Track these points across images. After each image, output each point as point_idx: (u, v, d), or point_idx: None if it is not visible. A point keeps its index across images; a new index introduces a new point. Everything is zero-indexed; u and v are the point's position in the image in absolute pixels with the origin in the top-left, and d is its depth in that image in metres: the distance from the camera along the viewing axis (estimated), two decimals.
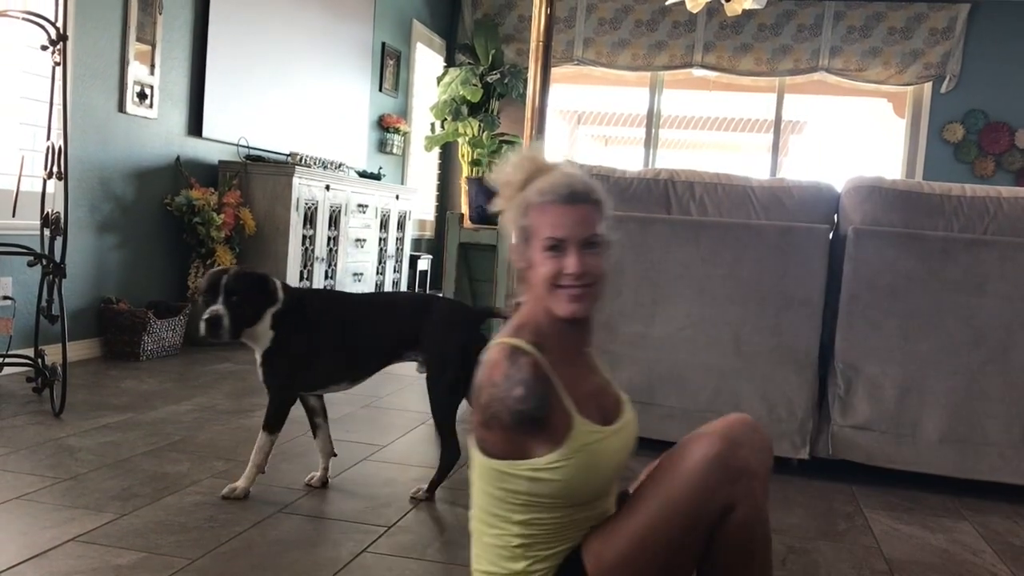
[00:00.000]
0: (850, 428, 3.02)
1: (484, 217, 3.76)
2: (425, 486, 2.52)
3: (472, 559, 1.60)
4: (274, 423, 2.43)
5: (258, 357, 2.42)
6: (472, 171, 7.61)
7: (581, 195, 1.49)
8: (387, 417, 3.48)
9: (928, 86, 7.87)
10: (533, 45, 1.74)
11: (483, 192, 3.82)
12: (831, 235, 3.12)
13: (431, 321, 2.47)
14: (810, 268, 3.05)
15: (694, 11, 6.58)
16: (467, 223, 3.75)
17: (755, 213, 3.16)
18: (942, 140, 7.85)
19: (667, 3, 6.94)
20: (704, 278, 3.11)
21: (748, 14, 7.61)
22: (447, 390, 2.47)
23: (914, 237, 2.99)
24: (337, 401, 3.67)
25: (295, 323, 2.40)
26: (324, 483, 2.56)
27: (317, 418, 2.60)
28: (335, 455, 2.63)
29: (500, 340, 1.51)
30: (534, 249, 1.50)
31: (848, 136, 9.16)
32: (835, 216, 3.19)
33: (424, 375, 2.56)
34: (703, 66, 8.20)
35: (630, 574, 1.47)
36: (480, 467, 1.52)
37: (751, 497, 1.46)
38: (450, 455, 2.50)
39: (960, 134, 7.79)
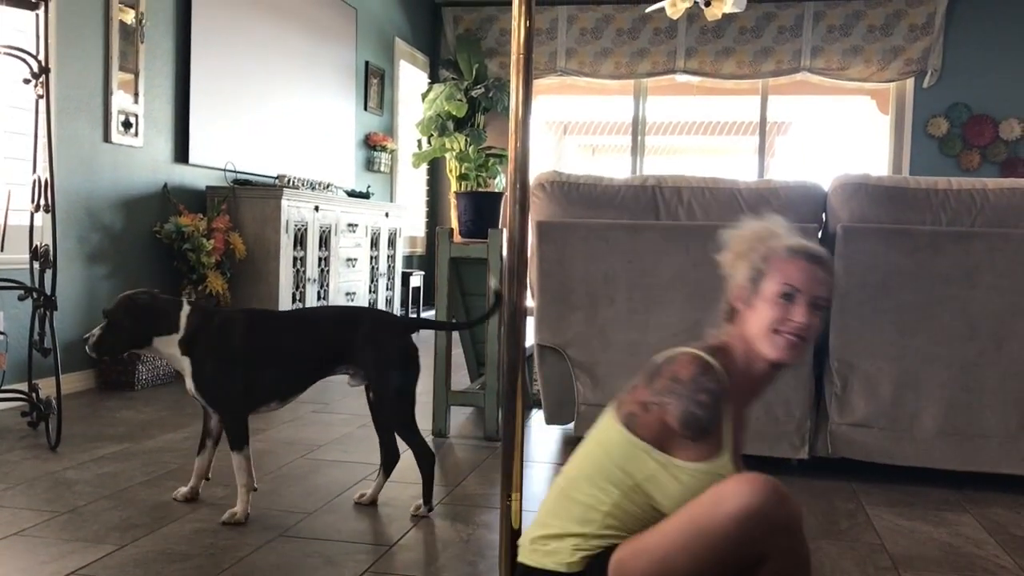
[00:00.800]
0: (848, 426, 3.02)
1: (474, 231, 3.76)
2: (421, 501, 2.52)
3: (540, 511, 1.69)
4: (236, 441, 2.44)
5: (190, 385, 2.43)
6: (460, 186, 7.62)
7: (823, 260, 1.65)
8: None
9: (910, 82, 7.92)
10: (514, 58, 1.74)
11: (472, 206, 3.82)
12: (820, 234, 3.13)
13: (362, 334, 2.47)
14: None
15: (674, 17, 6.61)
16: (457, 238, 3.75)
17: (743, 215, 3.17)
18: (927, 135, 7.89)
19: (647, 11, 6.98)
20: (696, 282, 3.11)
21: (728, 18, 7.65)
22: (397, 402, 2.48)
23: (903, 232, 3.00)
24: (333, 422, 3.66)
25: (208, 347, 2.41)
26: (192, 498, 2.55)
27: (209, 440, 2.57)
28: (208, 479, 2.61)
29: (695, 351, 1.61)
30: (763, 292, 1.62)
31: (833, 134, 9.21)
32: (823, 215, 3.20)
33: (356, 387, 2.59)
34: (686, 71, 8.24)
35: None
36: (612, 436, 1.61)
37: (788, 552, 1.49)
38: (426, 461, 2.52)
39: (944, 128, 7.83)
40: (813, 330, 1.61)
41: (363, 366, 2.49)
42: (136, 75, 4.50)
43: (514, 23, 1.78)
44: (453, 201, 4.01)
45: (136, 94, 4.51)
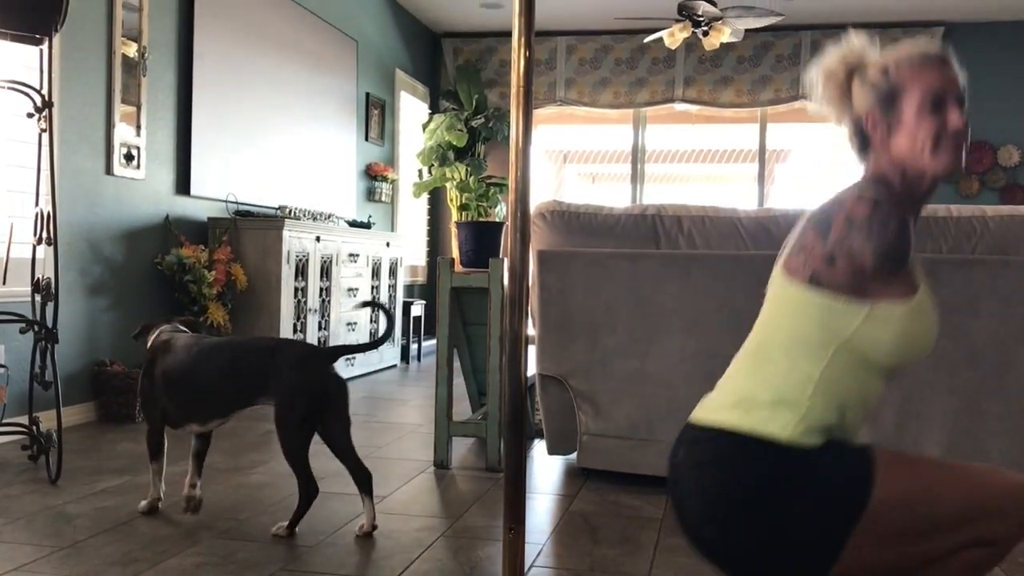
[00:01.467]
0: None
1: (475, 261, 3.77)
2: (286, 523, 2.55)
3: (724, 383, 1.58)
4: (149, 452, 2.71)
5: None
6: (461, 215, 7.64)
7: (948, 58, 1.56)
8: (387, 467, 3.45)
9: None
10: (514, 89, 1.75)
11: (472, 236, 3.83)
12: None
13: (279, 365, 2.51)
14: None
15: (673, 47, 6.67)
16: (458, 267, 3.76)
17: (744, 244, 3.18)
18: None
19: (645, 41, 7.04)
20: (697, 311, 3.11)
21: (726, 47, 7.72)
22: (295, 429, 2.50)
23: None
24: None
25: (146, 368, 2.71)
26: (196, 509, 2.68)
27: (194, 460, 2.73)
28: (195, 485, 2.71)
29: (857, 190, 1.52)
30: (904, 110, 1.54)
31: (833, 161, 9.24)
32: None
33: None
34: (684, 100, 8.30)
35: (901, 517, 1.46)
36: (800, 303, 1.52)
37: (1008, 549, 1.46)
38: (308, 493, 2.54)
39: None
40: (967, 128, 1.55)
41: (275, 396, 2.52)
42: (138, 108, 4.53)
43: (514, 54, 1.80)
44: (454, 231, 4.03)
45: (138, 127, 4.53)
